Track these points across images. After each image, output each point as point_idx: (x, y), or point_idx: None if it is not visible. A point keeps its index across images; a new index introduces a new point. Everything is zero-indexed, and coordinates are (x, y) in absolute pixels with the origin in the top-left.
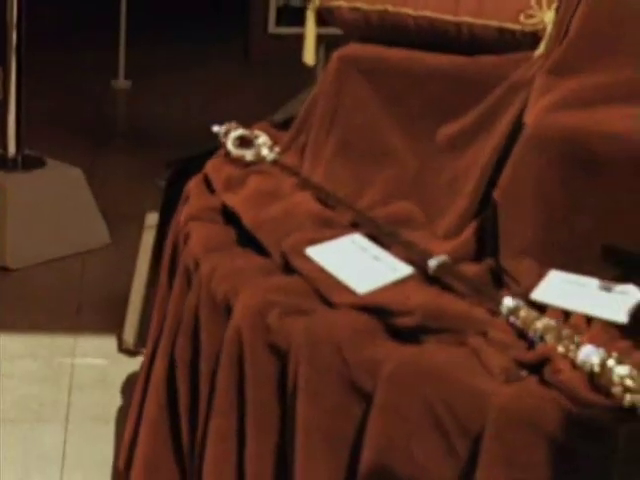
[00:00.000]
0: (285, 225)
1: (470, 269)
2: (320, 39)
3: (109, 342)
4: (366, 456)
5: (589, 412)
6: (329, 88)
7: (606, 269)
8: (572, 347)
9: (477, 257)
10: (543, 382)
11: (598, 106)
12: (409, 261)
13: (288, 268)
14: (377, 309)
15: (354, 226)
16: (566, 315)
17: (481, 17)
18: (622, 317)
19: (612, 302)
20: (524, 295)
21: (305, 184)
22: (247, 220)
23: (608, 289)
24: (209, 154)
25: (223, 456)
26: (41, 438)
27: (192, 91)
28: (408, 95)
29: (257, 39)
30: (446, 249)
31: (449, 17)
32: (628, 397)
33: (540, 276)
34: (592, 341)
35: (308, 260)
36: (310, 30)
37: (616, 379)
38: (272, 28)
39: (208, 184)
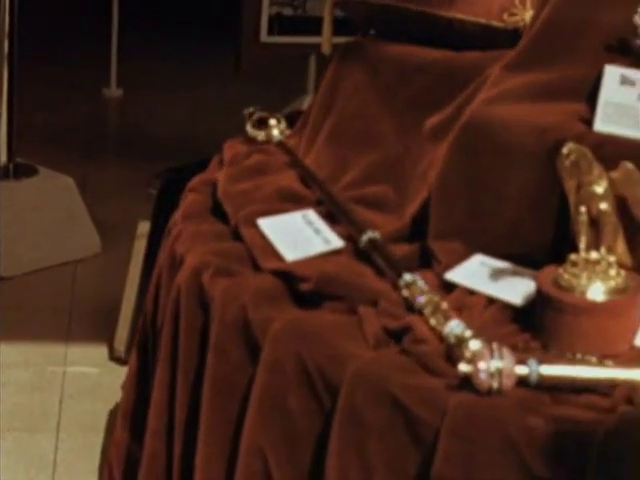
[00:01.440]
0: (250, 197)
1: (401, 248)
2: (312, 48)
3: (100, 350)
4: (251, 407)
5: (429, 381)
6: (331, 76)
7: (530, 255)
8: (442, 321)
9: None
10: (403, 351)
11: (536, 101)
12: (349, 237)
13: (237, 235)
14: (285, 274)
15: (319, 203)
16: (470, 294)
17: (470, 14)
18: (519, 301)
19: (516, 286)
20: (440, 274)
21: (294, 164)
22: (220, 191)
23: (519, 274)
24: (200, 164)
25: (160, 403)
26: (32, 447)
27: (184, 99)
28: (399, 86)
29: (248, 48)
30: (390, 229)
31: (443, 13)
32: (462, 367)
33: (463, 258)
34: (481, 320)
35: (255, 228)
36: (327, 20)
37: (467, 353)
38: (264, 37)
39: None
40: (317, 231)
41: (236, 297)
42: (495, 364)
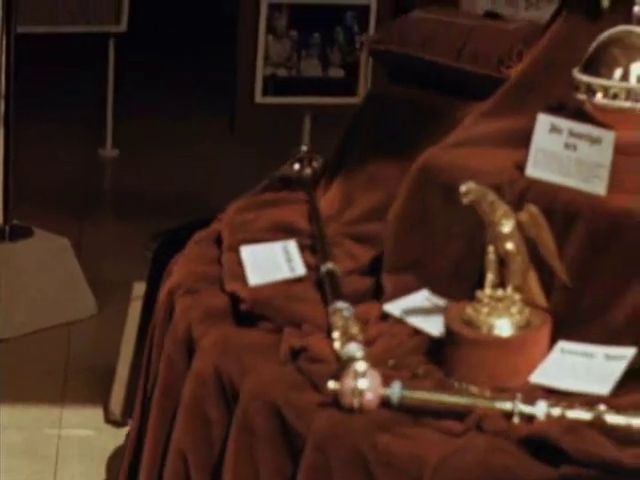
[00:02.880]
0: (248, 226)
1: (356, 280)
2: (306, 109)
3: (96, 413)
4: (179, 413)
5: (309, 397)
6: (351, 122)
7: (472, 292)
8: (344, 343)
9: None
10: (298, 368)
11: (496, 147)
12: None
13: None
14: (233, 296)
15: (311, 236)
16: (401, 325)
17: (474, 65)
18: (437, 333)
19: (442, 320)
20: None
21: (306, 200)
22: (225, 220)
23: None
24: (197, 224)
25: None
26: None
27: (179, 160)
28: (409, 132)
29: (243, 108)
30: (358, 262)
31: (451, 63)
32: (330, 384)
33: (410, 292)
34: (399, 348)
35: (235, 254)
36: (363, 64)
37: (350, 374)
38: (259, 98)
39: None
40: (289, 260)
41: (188, 314)
42: (357, 383)
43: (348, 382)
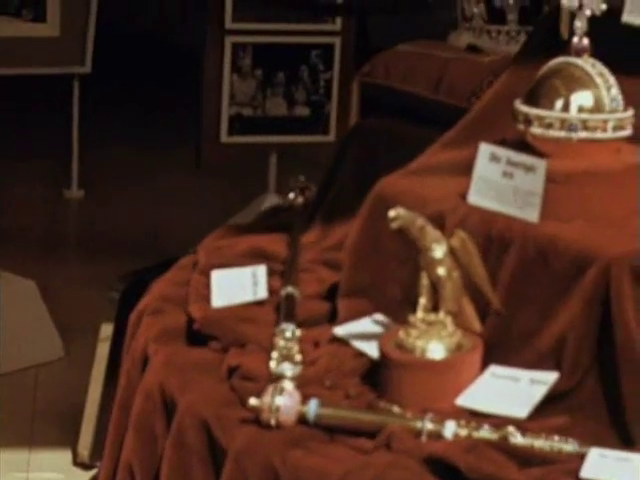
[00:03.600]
0: (224, 251)
1: (317, 304)
2: (272, 147)
3: (64, 456)
4: (129, 428)
5: (237, 413)
6: (335, 155)
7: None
8: (280, 362)
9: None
10: (231, 386)
11: (452, 175)
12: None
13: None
14: (190, 317)
15: (284, 262)
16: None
17: (449, 98)
18: (376, 355)
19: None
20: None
21: (290, 228)
22: (202, 245)
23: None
24: (163, 265)
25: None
26: None
27: (145, 199)
28: (387, 161)
29: (209, 148)
30: (324, 286)
31: (431, 96)
32: (251, 401)
33: (362, 316)
34: (339, 369)
35: (205, 277)
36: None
37: (269, 391)
38: (224, 137)
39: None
40: (255, 284)
41: (147, 332)
42: (275, 401)
43: (267, 399)
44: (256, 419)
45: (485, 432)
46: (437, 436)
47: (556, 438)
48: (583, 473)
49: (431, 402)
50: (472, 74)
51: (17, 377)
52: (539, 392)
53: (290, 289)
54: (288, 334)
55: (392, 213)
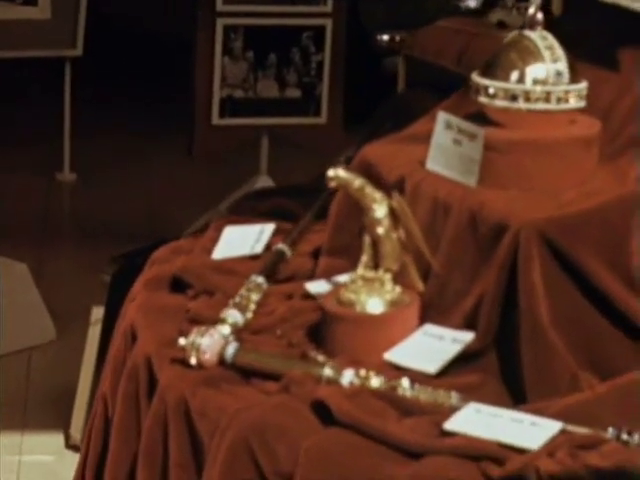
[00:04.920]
0: (249, 210)
1: (306, 261)
2: (263, 130)
3: (56, 438)
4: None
5: (167, 352)
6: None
7: None
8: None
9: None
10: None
11: (418, 143)
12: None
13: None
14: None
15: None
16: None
17: (469, 71)
18: None
19: None
20: None
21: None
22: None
23: None
24: (154, 248)
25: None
26: None
27: (137, 183)
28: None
29: (201, 131)
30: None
31: (454, 68)
32: (180, 340)
33: (336, 274)
34: (294, 320)
35: (217, 233)
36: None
37: (194, 332)
38: (216, 119)
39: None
40: (257, 240)
41: (142, 278)
42: (197, 341)
43: (190, 339)
44: (182, 358)
45: (376, 382)
46: (335, 383)
47: (441, 392)
48: (447, 424)
49: (364, 355)
50: (491, 49)
51: (9, 360)
52: (453, 350)
53: (281, 246)
54: (251, 285)
55: (330, 173)
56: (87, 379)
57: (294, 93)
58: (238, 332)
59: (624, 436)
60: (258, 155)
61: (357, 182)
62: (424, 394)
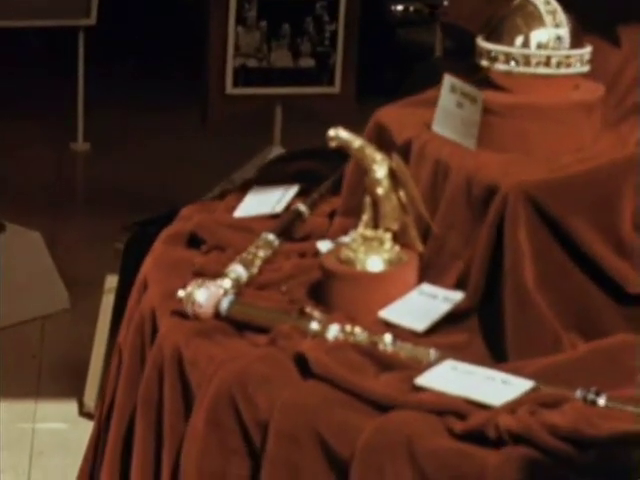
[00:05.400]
0: (278, 171)
1: (323, 221)
2: (277, 99)
3: (70, 406)
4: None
5: (169, 304)
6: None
7: None
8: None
9: None
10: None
11: (430, 106)
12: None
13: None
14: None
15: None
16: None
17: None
18: None
19: None
20: None
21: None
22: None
23: None
24: (167, 217)
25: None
26: None
27: (151, 152)
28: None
29: (214, 100)
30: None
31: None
32: (179, 292)
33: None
34: (297, 276)
35: (243, 193)
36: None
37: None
38: (229, 89)
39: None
40: (279, 201)
41: (163, 234)
42: (193, 293)
43: (187, 291)
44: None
45: (359, 337)
46: (321, 337)
47: (421, 349)
48: (418, 380)
49: (361, 312)
50: None
51: (23, 328)
52: (442, 310)
53: (300, 206)
54: (261, 242)
55: (331, 132)
56: (101, 347)
57: (308, 63)
58: (241, 287)
59: (591, 396)
60: (271, 125)
61: (357, 142)
62: (404, 350)
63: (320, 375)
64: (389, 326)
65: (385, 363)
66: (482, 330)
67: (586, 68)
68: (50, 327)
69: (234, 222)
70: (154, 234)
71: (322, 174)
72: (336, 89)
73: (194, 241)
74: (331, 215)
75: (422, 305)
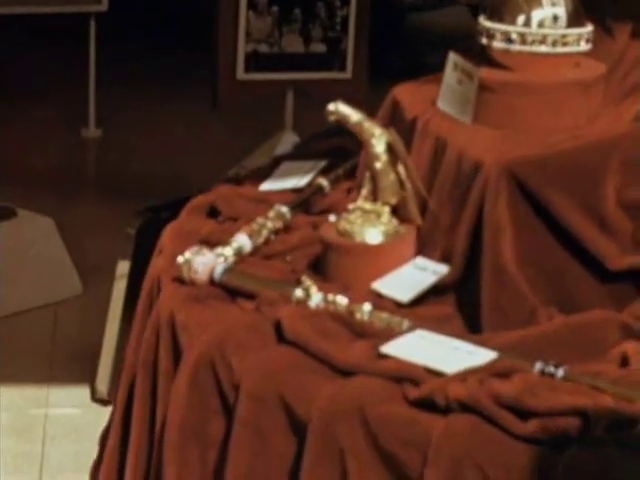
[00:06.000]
0: (306, 149)
1: (342, 195)
2: (289, 85)
3: (82, 392)
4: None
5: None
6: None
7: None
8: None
9: None
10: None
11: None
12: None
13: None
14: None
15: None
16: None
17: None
18: None
19: None
20: None
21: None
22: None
23: None
24: (179, 203)
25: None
26: None
27: (162, 138)
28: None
29: (225, 85)
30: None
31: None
32: (178, 258)
33: None
34: (304, 247)
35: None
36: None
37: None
38: (240, 74)
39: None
40: (304, 175)
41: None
42: (190, 259)
43: (185, 257)
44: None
45: (340, 305)
46: (304, 304)
47: (395, 319)
48: (384, 348)
49: (356, 283)
50: None
51: (36, 314)
52: (427, 282)
53: (321, 180)
54: (272, 213)
55: (331, 107)
56: (113, 333)
57: (319, 48)
58: (244, 256)
59: (550, 369)
60: (283, 110)
61: (355, 116)
62: (379, 320)
63: (292, 340)
64: (380, 297)
65: (359, 331)
66: (464, 303)
67: (585, 47)
68: (62, 313)
69: (255, 195)
70: (166, 219)
71: (354, 151)
72: (347, 74)
73: (215, 212)
74: (351, 191)
75: (412, 277)
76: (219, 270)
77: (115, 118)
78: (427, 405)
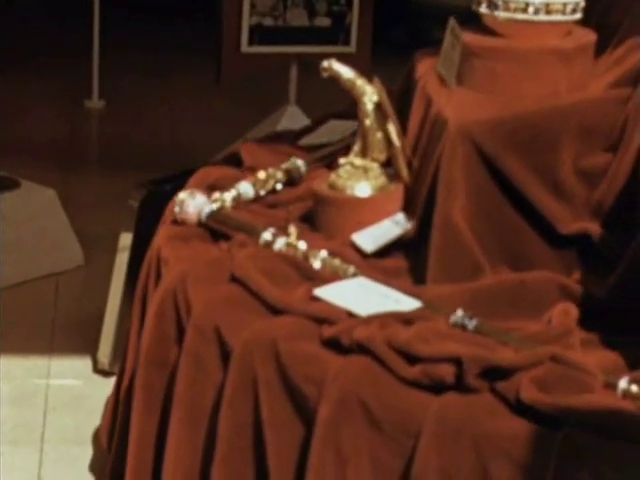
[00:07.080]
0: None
1: None
2: (293, 58)
3: (84, 363)
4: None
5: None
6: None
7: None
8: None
9: None
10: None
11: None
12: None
13: None
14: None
15: None
16: None
17: None
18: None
19: None
20: None
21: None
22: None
23: None
24: (182, 175)
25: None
26: (16, 460)
27: (166, 111)
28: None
29: (229, 59)
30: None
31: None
32: (181, 195)
33: None
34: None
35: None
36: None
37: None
38: (245, 47)
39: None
40: (341, 132)
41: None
42: (182, 199)
43: (179, 198)
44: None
45: (299, 250)
46: (269, 247)
47: (344, 265)
48: (316, 291)
49: (338, 233)
50: None
51: (37, 285)
52: (392, 234)
53: (352, 139)
54: (284, 165)
55: (325, 63)
56: (115, 304)
57: (323, 22)
58: (242, 202)
59: (466, 321)
60: (287, 84)
61: (348, 74)
62: (330, 266)
63: (237, 277)
64: (355, 247)
65: (310, 275)
66: (417, 257)
67: (570, 17)
68: (64, 284)
69: (282, 148)
70: (169, 192)
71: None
72: (352, 48)
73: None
74: None
75: (383, 231)
76: (206, 211)
77: (118, 90)
78: (335, 345)
